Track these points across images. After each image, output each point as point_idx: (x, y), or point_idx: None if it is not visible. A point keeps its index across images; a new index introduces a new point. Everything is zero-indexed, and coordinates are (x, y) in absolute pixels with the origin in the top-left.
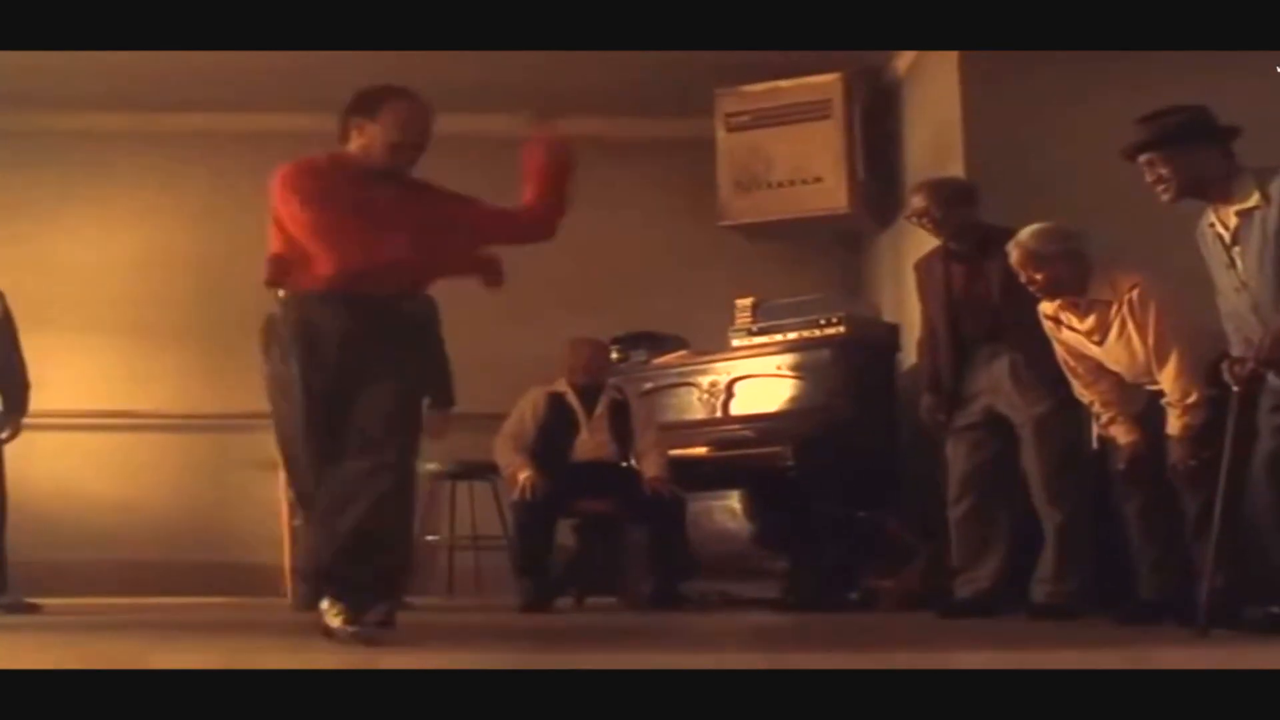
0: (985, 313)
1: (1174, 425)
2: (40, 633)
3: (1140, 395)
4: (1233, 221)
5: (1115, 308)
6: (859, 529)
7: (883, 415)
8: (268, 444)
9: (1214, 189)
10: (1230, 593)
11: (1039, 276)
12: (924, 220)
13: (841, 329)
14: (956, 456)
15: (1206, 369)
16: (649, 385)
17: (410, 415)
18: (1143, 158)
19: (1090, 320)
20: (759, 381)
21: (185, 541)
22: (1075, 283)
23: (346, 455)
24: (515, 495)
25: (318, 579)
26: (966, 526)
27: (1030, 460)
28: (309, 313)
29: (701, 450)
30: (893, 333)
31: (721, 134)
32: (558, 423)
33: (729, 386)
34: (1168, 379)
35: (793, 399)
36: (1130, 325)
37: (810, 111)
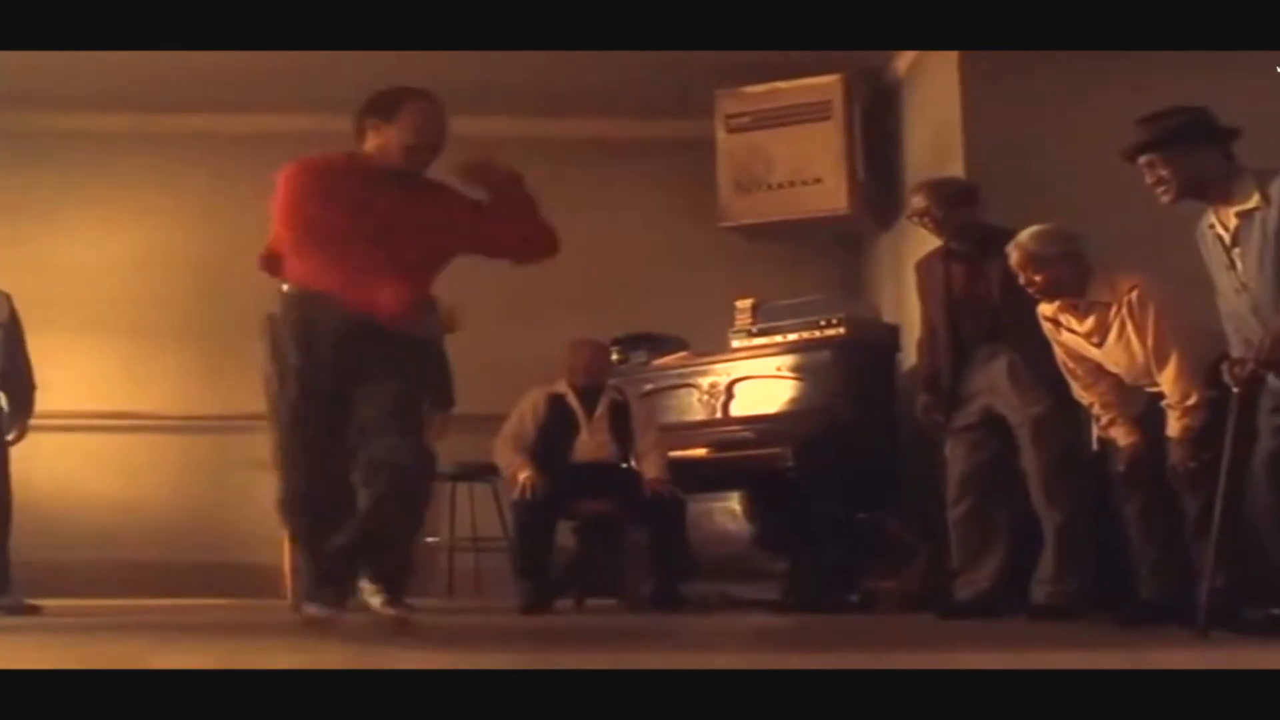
0: (985, 313)
1: (1174, 427)
2: (41, 633)
3: (1140, 397)
4: (1233, 222)
5: (1115, 309)
6: (859, 530)
7: (883, 416)
8: (267, 445)
9: (1214, 190)
10: (1230, 593)
11: (1038, 278)
12: (925, 220)
13: (841, 330)
14: (955, 457)
15: (1206, 370)
16: (649, 386)
17: (412, 414)
18: (1143, 159)
19: (1090, 322)
20: (759, 383)
21: (185, 542)
22: (1075, 284)
23: (346, 454)
24: (515, 496)
25: (330, 569)
26: (966, 527)
27: (1029, 461)
28: (307, 311)
29: (701, 451)
30: (893, 333)
31: (721, 135)
32: (558, 424)
33: (729, 388)
34: (1167, 381)
35: (793, 400)
36: (1130, 327)
37: (810, 112)
